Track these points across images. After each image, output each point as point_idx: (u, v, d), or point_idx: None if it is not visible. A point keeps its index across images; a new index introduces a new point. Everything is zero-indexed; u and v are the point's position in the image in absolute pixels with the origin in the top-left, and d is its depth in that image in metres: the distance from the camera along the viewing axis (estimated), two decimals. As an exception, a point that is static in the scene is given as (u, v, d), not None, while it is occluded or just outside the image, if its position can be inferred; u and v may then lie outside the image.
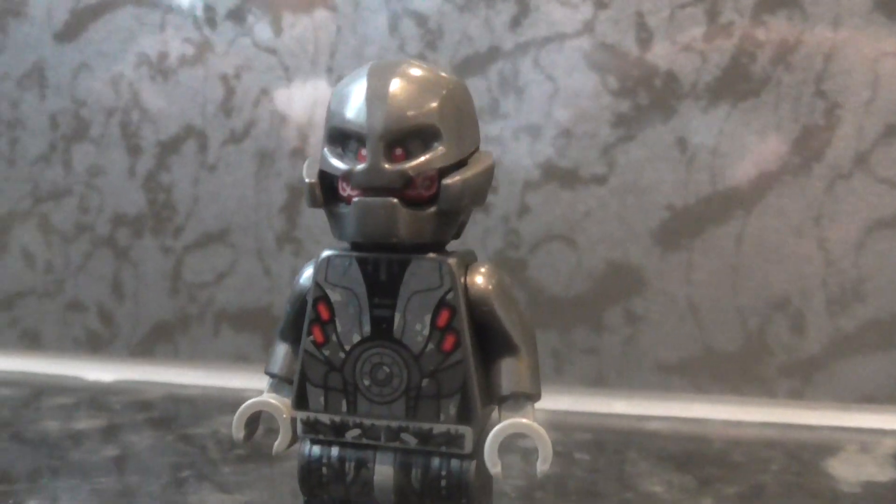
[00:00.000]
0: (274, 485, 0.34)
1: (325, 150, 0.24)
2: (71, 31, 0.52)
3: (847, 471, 0.37)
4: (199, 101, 0.50)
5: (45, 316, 0.53)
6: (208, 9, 0.50)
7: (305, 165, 0.25)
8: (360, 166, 0.22)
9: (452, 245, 0.25)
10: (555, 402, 0.46)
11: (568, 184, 0.46)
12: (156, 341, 0.52)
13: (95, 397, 0.48)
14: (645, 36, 0.44)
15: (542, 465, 0.23)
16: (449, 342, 0.23)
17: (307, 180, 0.24)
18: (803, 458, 0.38)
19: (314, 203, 0.24)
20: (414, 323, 0.23)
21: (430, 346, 0.23)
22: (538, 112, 0.46)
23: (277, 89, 0.49)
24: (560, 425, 0.43)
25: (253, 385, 0.49)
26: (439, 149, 0.23)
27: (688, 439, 0.42)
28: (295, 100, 0.49)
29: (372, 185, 0.22)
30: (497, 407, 0.24)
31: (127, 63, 0.51)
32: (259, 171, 0.50)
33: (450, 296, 0.23)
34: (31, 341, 0.53)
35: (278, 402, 0.25)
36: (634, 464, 0.38)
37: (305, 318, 0.24)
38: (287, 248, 0.50)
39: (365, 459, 0.24)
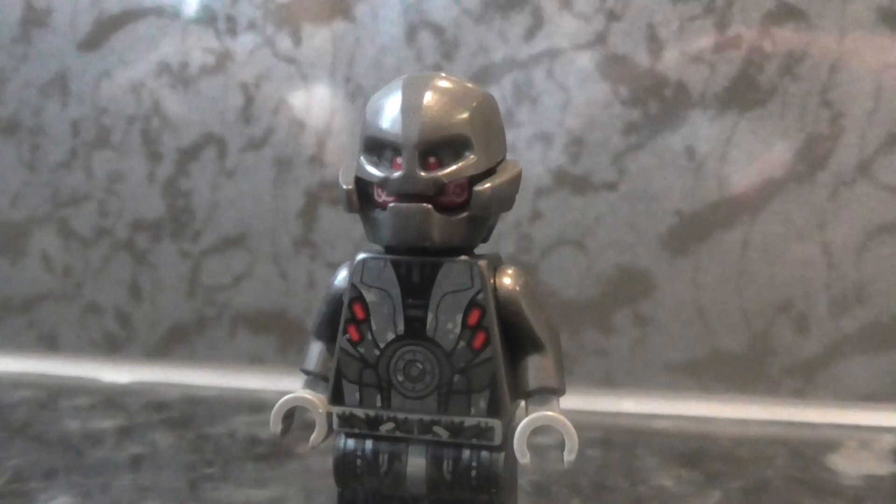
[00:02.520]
0: (296, 481, 0.35)
1: (362, 158, 0.25)
2: (94, 40, 0.53)
3: (848, 466, 0.38)
4: (219, 108, 0.51)
5: (63, 318, 0.54)
6: (229, 19, 0.51)
7: (341, 173, 0.26)
8: (397, 174, 0.24)
9: (480, 248, 0.26)
10: (565, 401, 0.48)
11: (579, 190, 0.47)
12: (172, 343, 0.53)
13: (113, 398, 0.49)
14: (655, 47, 0.46)
15: (569, 456, 0.24)
16: (479, 340, 0.24)
17: (345, 187, 0.25)
18: (806, 454, 0.40)
19: (350, 208, 0.25)
20: (446, 322, 0.25)
21: (462, 343, 0.24)
22: (551, 120, 0.47)
23: (296, 98, 0.50)
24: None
25: (269, 386, 0.51)
26: (470, 157, 0.24)
27: (694, 437, 0.43)
28: (313, 108, 0.50)
29: (407, 192, 0.24)
30: (524, 401, 0.25)
31: (148, 72, 0.52)
32: (277, 177, 0.51)
33: (480, 296, 0.24)
34: (49, 344, 0.54)
35: (314, 398, 0.26)
36: (643, 460, 0.39)
37: (342, 317, 0.25)
38: (303, 252, 0.51)
39: (398, 452, 0.25)
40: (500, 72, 0.48)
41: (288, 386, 0.50)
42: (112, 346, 0.54)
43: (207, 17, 0.51)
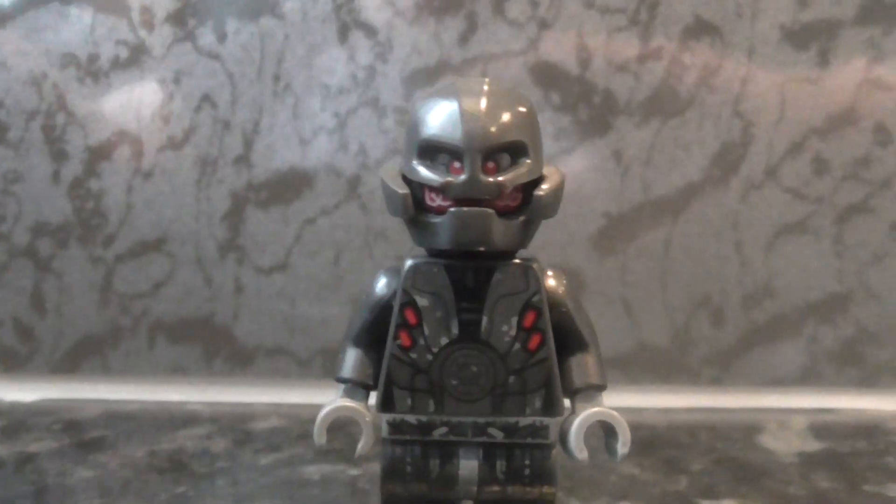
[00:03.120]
0: (281, 494, 0.34)
1: (414, 162, 0.25)
2: (-15, 26, 0.48)
3: (779, 445, 0.42)
4: (134, 105, 0.48)
5: (-49, 333, 0.49)
6: (144, 11, 0.48)
7: (386, 177, 0.26)
8: (461, 178, 0.24)
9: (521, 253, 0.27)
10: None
11: (513, 192, 0.49)
12: (82, 356, 0.49)
13: (20, 419, 0.45)
14: (584, 56, 0.48)
15: (623, 449, 0.25)
16: (535, 342, 0.25)
17: (400, 192, 0.25)
18: (737, 436, 0.43)
19: (406, 213, 0.25)
20: (501, 324, 0.25)
21: (517, 345, 0.25)
22: (485, 124, 0.48)
23: (221, 96, 0.48)
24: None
25: (194, 398, 0.48)
26: (527, 162, 0.25)
27: (631, 427, 0.45)
28: (239, 107, 0.48)
29: (471, 196, 0.24)
30: (568, 398, 0.26)
31: (52, 63, 0.48)
32: (200, 178, 0.49)
33: (535, 298, 0.25)
34: (-66, 362, 0.49)
35: (359, 406, 0.26)
36: (600, 452, 0.41)
37: (391, 323, 0.25)
38: (230, 256, 0.49)
39: (449, 455, 0.26)
40: (434, 75, 0.48)
41: (215, 397, 0.49)
42: (12, 363, 0.49)
43: (120, 7, 0.48)
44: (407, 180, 0.25)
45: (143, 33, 0.48)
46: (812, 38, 0.47)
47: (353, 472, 0.37)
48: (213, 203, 0.49)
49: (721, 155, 0.48)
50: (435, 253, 0.25)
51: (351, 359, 0.26)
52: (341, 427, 0.26)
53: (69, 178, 0.49)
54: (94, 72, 0.48)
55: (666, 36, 0.48)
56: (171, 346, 0.49)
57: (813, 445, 0.42)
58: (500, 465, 0.26)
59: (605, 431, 0.26)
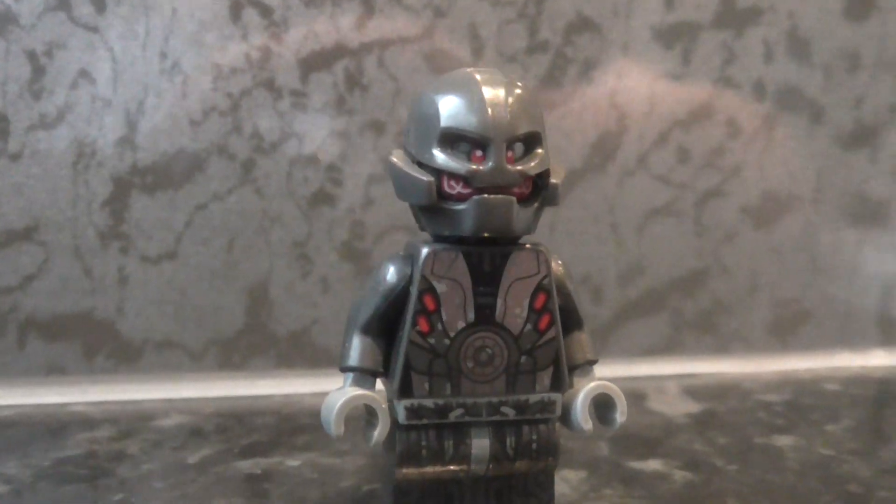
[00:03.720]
0: (232, 492, 0.33)
1: (434, 150, 0.25)
2: None
3: (665, 407, 0.46)
4: (-2, 79, 0.44)
5: None
6: (10, -26, 0.43)
7: (401, 164, 0.26)
8: (488, 165, 0.25)
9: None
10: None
11: (409, 178, 0.49)
12: (-62, 360, 0.44)
13: None
14: (477, 45, 0.50)
15: (621, 418, 0.27)
16: (544, 322, 0.26)
17: (425, 179, 0.25)
18: (628, 403, 0.47)
19: (430, 200, 0.25)
20: (514, 307, 0.26)
21: (528, 326, 0.26)
22: (382, 109, 0.49)
23: (101, 72, 0.45)
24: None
25: (76, 398, 0.45)
26: (541, 152, 0.26)
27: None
28: (122, 84, 0.45)
29: (496, 184, 0.25)
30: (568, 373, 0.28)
31: None
32: (77, 161, 0.45)
33: (545, 281, 0.26)
34: None
35: (374, 394, 0.26)
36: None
37: (409, 309, 0.26)
38: (113, 245, 0.46)
39: (463, 436, 0.26)
40: (331, 58, 0.48)
41: (99, 396, 0.46)
42: None
43: (-21, -31, 0.43)
44: (423, 167, 0.25)
45: (8, 0, 0.43)
46: (677, 39, 0.52)
47: (292, 462, 0.36)
48: (93, 188, 0.45)
49: (599, 144, 0.52)
50: (448, 239, 0.26)
51: (359, 347, 0.26)
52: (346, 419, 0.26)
53: (-82, 160, 0.43)
54: (-53, 40, 0.43)
55: (551, 30, 0.50)
56: (45, 345, 0.45)
57: (694, 407, 0.47)
58: (510, 441, 0.27)
59: (596, 403, 0.28)
